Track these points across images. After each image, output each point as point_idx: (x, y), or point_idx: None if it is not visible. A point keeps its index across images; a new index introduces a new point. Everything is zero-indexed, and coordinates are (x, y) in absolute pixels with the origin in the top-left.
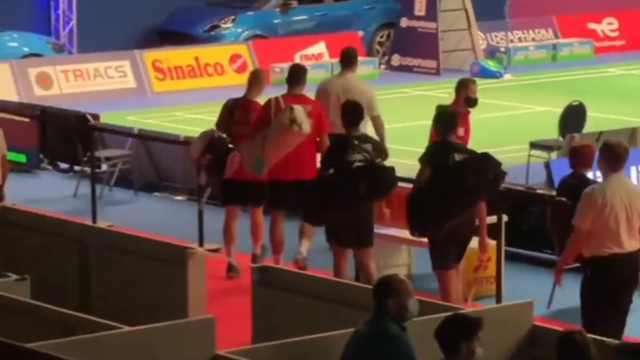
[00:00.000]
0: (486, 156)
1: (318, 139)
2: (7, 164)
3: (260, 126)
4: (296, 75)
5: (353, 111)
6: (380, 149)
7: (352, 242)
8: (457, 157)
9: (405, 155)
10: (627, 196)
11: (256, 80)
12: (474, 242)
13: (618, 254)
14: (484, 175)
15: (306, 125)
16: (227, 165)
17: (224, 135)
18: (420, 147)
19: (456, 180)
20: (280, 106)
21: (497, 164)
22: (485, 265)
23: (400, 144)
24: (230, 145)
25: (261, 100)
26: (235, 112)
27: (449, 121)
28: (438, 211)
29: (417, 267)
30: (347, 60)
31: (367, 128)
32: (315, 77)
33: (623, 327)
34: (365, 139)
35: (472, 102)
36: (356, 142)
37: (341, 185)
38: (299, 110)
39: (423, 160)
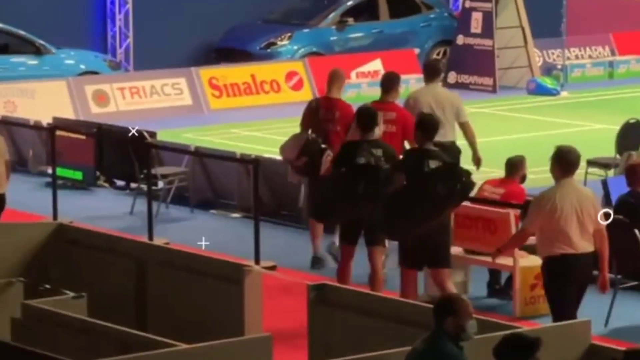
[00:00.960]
0: (455, 166)
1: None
2: (9, 169)
3: (348, 130)
4: (385, 83)
5: (368, 117)
6: (391, 155)
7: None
8: (432, 164)
9: None
10: (577, 200)
11: (336, 78)
12: (528, 261)
13: (570, 254)
14: (452, 184)
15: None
16: (322, 165)
17: (316, 136)
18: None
19: (428, 187)
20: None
21: (467, 174)
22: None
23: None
24: (323, 145)
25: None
26: (320, 111)
27: (429, 128)
28: (408, 217)
29: (474, 286)
30: (433, 72)
31: (455, 135)
32: (371, 94)
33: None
34: (377, 144)
35: (525, 179)
36: (366, 146)
37: (347, 185)
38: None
39: (397, 167)
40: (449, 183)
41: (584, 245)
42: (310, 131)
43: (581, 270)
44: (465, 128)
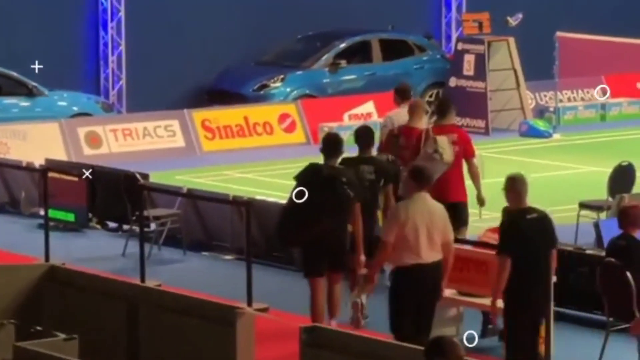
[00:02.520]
0: (335, 178)
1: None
2: None
3: (414, 155)
4: (442, 107)
5: (365, 135)
6: (385, 171)
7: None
8: (326, 172)
9: None
10: (428, 213)
11: (417, 108)
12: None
13: (417, 265)
14: (329, 194)
15: (447, 156)
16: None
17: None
18: (472, 206)
19: (317, 195)
20: (429, 136)
21: (349, 185)
22: None
23: None
24: (401, 167)
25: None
26: (401, 138)
27: (331, 146)
28: (297, 222)
29: (467, 327)
30: (406, 94)
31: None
32: None
33: (429, 334)
34: (372, 161)
35: None
36: (358, 163)
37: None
38: (442, 141)
39: (296, 177)
40: (327, 193)
41: (431, 256)
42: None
43: (425, 280)
44: None
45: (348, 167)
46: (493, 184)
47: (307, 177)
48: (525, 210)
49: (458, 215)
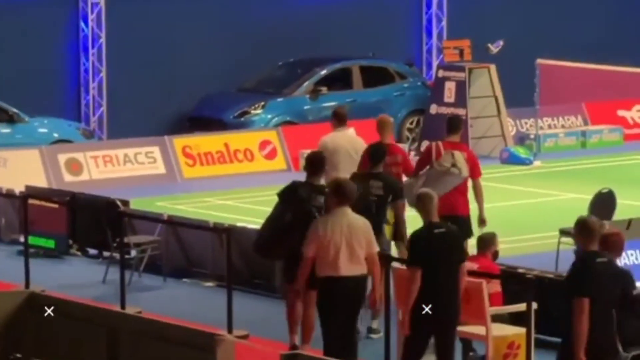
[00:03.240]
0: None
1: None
2: None
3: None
4: (453, 125)
5: (376, 152)
6: (393, 187)
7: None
8: (302, 193)
9: None
10: (348, 227)
11: (388, 125)
12: (501, 330)
13: (335, 277)
14: (294, 213)
15: (465, 170)
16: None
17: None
18: None
19: (290, 212)
20: (441, 151)
21: (307, 202)
22: (515, 353)
23: None
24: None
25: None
26: (386, 158)
27: (311, 165)
28: (270, 236)
29: None
30: (343, 119)
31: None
32: None
33: (353, 351)
34: (381, 177)
35: (497, 255)
36: (368, 179)
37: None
38: (459, 156)
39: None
40: (299, 212)
41: (352, 269)
42: None
43: (347, 291)
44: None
45: (358, 182)
46: (473, 211)
47: (284, 194)
48: (433, 225)
49: (460, 228)
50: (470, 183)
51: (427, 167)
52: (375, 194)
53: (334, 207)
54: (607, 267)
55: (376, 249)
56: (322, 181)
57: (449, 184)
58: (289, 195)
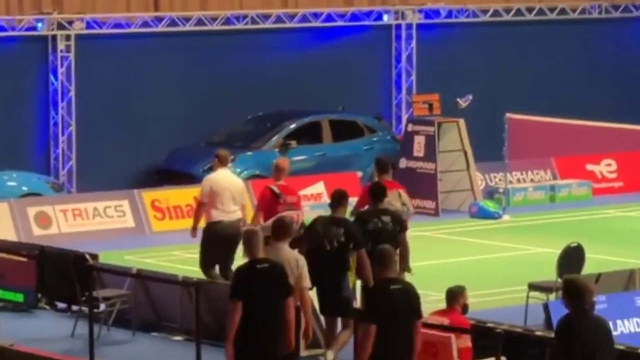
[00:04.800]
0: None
1: None
2: None
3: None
4: (384, 165)
5: (377, 189)
6: (399, 221)
7: None
8: (318, 226)
9: None
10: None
11: (285, 167)
12: None
13: None
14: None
15: (412, 208)
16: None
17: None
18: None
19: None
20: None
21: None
22: None
23: None
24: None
25: None
26: (282, 197)
27: (334, 199)
28: None
29: None
30: (225, 160)
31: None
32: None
33: None
34: (386, 212)
35: (467, 308)
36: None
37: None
38: (404, 194)
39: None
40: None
41: None
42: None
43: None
44: (242, 210)
45: (369, 216)
46: (443, 265)
47: (307, 228)
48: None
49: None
50: None
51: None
52: (389, 229)
53: (272, 243)
54: (401, 294)
55: (307, 283)
56: (343, 213)
57: None
58: (308, 229)
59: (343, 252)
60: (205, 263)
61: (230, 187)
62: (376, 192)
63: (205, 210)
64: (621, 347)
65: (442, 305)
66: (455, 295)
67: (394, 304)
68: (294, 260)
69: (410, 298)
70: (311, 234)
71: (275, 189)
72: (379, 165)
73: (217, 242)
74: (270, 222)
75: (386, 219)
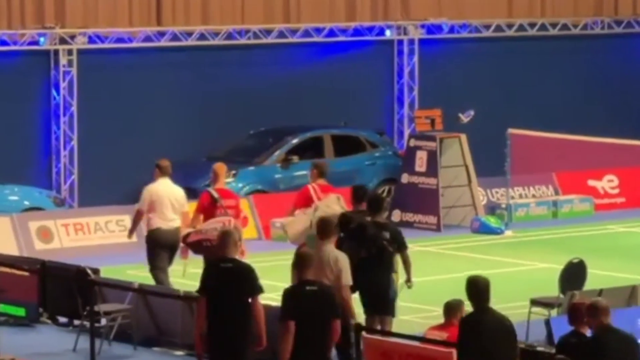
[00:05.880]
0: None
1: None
2: None
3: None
4: (324, 169)
5: (376, 201)
6: (396, 237)
7: None
8: (370, 230)
9: (411, 311)
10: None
11: (222, 171)
12: None
13: None
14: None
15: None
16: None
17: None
18: (424, 303)
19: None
20: (319, 192)
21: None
22: None
23: (402, 300)
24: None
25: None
26: (220, 200)
27: (377, 205)
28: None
29: None
30: (167, 170)
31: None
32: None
33: None
34: (384, 226)
35: None
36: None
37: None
38: (341, 199)
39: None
40: (367, 248)
41: None
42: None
43: None
44: (183, 217)
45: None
46: (444, 280)
47: (352, 230)
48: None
49: None
50: None
51: (312, 208)
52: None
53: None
54: (316, 295)
55: (347, 282)
56: (383, 218)
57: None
58: (359, 234)
59: (389, 254)
60: (153, 266)
61: (170, 196)
62: (360, 195)
63: (147, 218)
64: (522, 346)
65: (440, 320)
66: (453, 309)
67: (307, 304)
68: (334, 258)
69: (325, 299)
70: (362, 238)
71: (214, 193)
72: (317, 168)
73: (157, 247)
74: (207, 223)
75: (385, 234)
